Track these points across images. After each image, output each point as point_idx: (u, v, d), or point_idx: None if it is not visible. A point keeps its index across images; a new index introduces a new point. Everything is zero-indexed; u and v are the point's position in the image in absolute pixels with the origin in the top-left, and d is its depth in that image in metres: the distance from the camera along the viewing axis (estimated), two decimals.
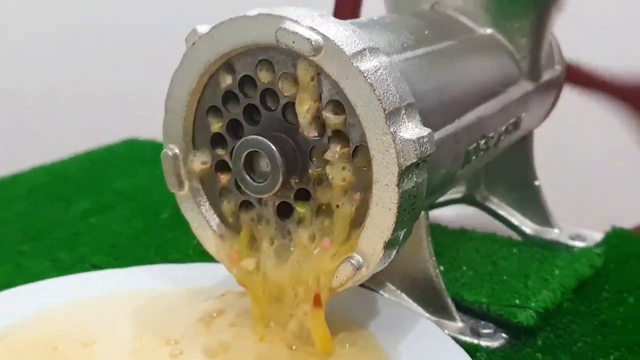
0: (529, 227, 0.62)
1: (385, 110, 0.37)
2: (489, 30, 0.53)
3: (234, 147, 0.42)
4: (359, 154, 0.40)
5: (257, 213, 0.44)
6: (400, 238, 0.40)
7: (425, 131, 0.39)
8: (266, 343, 0.44)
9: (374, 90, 0.37)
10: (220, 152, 0.44)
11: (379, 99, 0.37)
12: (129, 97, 0.96)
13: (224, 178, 0.45)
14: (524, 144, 0.60)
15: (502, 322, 0.49)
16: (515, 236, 0.62)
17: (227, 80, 0.43)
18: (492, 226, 0.63)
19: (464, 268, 0.56)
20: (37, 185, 0.73)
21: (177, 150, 0.45)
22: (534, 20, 0.52)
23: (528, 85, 0.54)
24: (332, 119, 0.40)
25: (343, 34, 0.39)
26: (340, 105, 0.39)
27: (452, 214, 0.66)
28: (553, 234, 0.61)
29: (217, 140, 0.44)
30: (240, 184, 0.42)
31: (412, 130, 0.38)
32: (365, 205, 0.40)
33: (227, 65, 0.42)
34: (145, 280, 0.50)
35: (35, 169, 0.78)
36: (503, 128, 0.51)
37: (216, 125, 0.44)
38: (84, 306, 0.47)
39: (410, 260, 0.48)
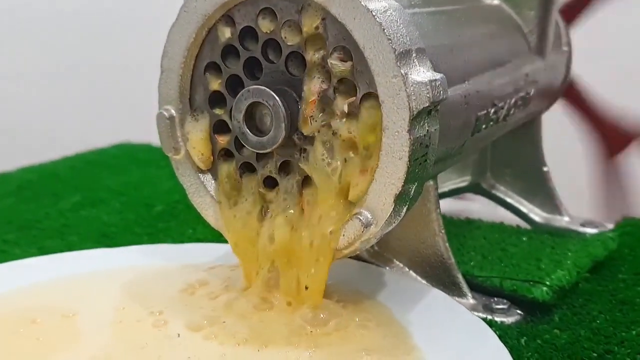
0: (537, 215, 0.59)
1: (395, 50, 0.35)
2: (495, 1, 0.51)
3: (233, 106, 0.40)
4: (367, 103, 0.37)
5: (258, 176, 0.42)
6: (411, 193, 0.38)
7: (438, 75, 0.36)
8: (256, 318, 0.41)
9: (384, 30, 0.35)
10: (219, 111, 0.42)
11: (388, 39, 0.35)
12: (124, 100, 0.94)
13: (222, 140, 0.42)
14: (532, 128, 0.58)
15: (515, 299, 0.46)
16: (523, 225, 0.59)
17: (226, 33, 0.41)
18: (498, 218, 0.61)
19: (472, 253, 0.53)
20: (25, 182, 0.70)
21: (173, 112, 0.43)
22: None
23: (536, 60, 0.53)
24: (339, 66, 0.37)
25: None
26: (346, 51, 0.37)
27: (456, 207, 0.64)
28: (563, 221, 0.59)
29: (215, 99, 0.42)
30: (241, 139, 0.40)
31: (423, 73, 0.36)
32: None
33: (227, 17, 0.40)
34: (133, 258, 0.47)
35: (24, 168, 0.75)
36: (512, 101, 0.49)
37: (215, 83, 0.42)
38: (67, 282, 0.44)
39: (419, 235, 0.46)
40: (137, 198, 0.66)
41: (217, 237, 0.51)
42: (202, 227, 0.58)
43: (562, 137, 0.59)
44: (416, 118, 0.36)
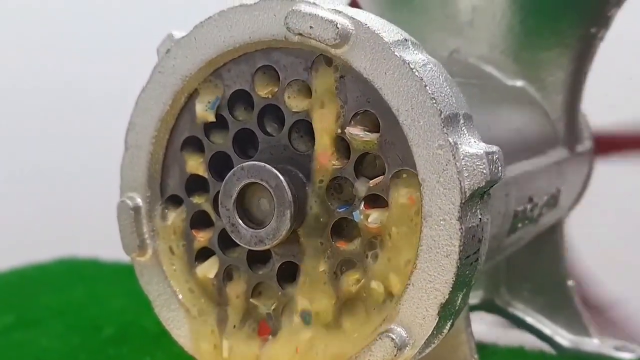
0: (563, 337, 0.50)
1: (441, 113, 0.27)
2: (519, 83, 0.44)
3: (217, 192, 0.31)
4: (400, 185, 0.29)
5: (247, 283, 0.32)
6: (457, 304, 0.29)
7: (494, 147, 0.28)
8: None
9: (426, 87, 0.27)
10: (198, 199, 0.33)
11: (432, 98, 0.27)
12: (69, 209, 0.84)
13: (202, 236, 0.33)
14: (554, 235, 0.50)
15: None
16: (547, 349, 0.50)
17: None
18: (516, 342, 0.51)
19: None
20: None
21: (139, 200, 0.33)
22: (571, 72, 0.44)
23: (564, 152, 0.45)
24: (362, 137, 0.29)
25: (377, 20, 0.29)
26: (371, 118, 0.29)
27: None
28: (593, 345, 0.49)
29: (194, 184, 0.33)
30: (231, 234, 0.30)
31: (476, 144, 0.28)
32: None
33: (213, 78, 0.32)
34: None
35: None
36: (545, 198, 0.41)
37: (195, 163, 0.33)
38: None
39: None
40: (82, 319, 0.55)
41: None
42: (163, 353, 0.47)
43: None
44: (468, 202, 0.27)
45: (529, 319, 0.51)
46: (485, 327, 0.56)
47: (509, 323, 0.52)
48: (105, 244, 0.59)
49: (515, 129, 0.39)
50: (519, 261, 0.50)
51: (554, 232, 0.50)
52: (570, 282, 0.50)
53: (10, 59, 0.84)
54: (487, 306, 0.52)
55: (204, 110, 0.32)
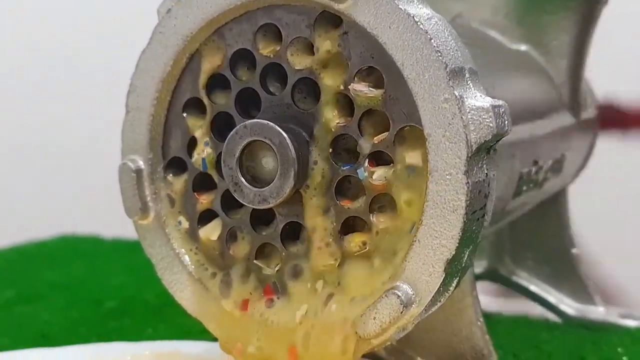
0: (568, 305, 0.50)
1: (447, 66, 0.27)
2: (523, 47, 0.43)
3: (220, 153, 0.31)
4: (405, 140, 0.28)
5: (250, 244, 0.32)
6: (464, 261, 0.29)
7: (500, 101, 0.28)
8: None
9: (431, 40, 0.27)
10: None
11: (437, 51, 0.27)
12: (68, 186, 0.84)
13: (205, 199, 0.32)
14: (558, 202, 0.49)
15: None
16: (552, 318, 0.50)
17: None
18: (520, 311, 0.51)
19: (500, 352, 0.43)
20: None
21: (141, 163, 0.33)
22: (576, 35, 0.43)
23: (569, 117, 0.45)
24: (366, 93, 0.29)
25: None
26: (375, 74, 0.29)
27: None
28: (598, 312, 0.49)
29: (196, 146, 0.33)
30: (234, 193, 0.30)
31: (482, 98, 0.27)
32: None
33: (214, 38, 0.31)
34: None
35: None
36: (550, 162, 0.41)
37: (196, 124, 0.32)
38: None
39: (451, 325, 0.36)
40: (83, 294, 0.55)
41: (185, 336, 0.41)
42: (165, 325, 0.47)
43: None
44: (474, 156, 0.27)
45: (534, 288, 0.50)
46: (489, 297, 0.56)
47: (513, 292, 0.52)
48: (105, 221, 0.59)
49: (520, 91, 0.39)
50: (523, 230, 0.50)
51: (558, 199, 0.49)
52: (574, 250, 0.50)
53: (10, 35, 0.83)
54: (491, 275, 0.51)
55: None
